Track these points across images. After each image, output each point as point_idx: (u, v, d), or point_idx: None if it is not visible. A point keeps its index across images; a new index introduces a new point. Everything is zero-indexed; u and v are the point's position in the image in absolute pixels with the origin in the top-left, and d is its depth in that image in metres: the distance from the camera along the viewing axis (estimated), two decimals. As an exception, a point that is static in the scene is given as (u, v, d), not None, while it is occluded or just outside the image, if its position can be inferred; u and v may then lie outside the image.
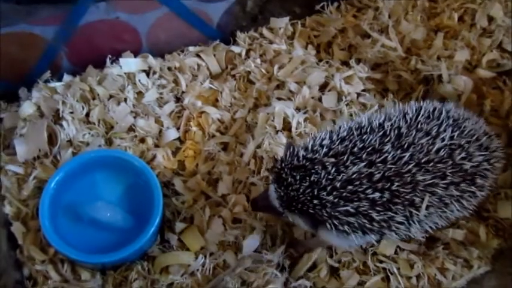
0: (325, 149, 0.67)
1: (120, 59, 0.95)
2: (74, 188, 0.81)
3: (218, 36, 1.02)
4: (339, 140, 0.68)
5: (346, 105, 0.90)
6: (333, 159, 0.66)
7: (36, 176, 0.83)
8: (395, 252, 0.79)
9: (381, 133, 0.69)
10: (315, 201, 0.66)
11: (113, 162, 0.83)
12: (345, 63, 0.99)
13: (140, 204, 0.81)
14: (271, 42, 1.01)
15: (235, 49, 1.00)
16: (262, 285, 0.77)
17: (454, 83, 0.92)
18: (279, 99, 0.91)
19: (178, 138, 0.92)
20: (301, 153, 0.68)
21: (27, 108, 0.89)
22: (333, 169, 0.65)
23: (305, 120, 0.89)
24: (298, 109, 0.91)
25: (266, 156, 0.85)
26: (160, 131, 0.92)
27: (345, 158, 0.66)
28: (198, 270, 0.79)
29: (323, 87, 0.93)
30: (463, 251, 0.79)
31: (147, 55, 0.96)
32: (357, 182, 0.65)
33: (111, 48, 0.95)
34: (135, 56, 0.97)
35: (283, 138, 0.86)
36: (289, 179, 0.67)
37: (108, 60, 0.95)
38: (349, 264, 0.79)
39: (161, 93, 0.95)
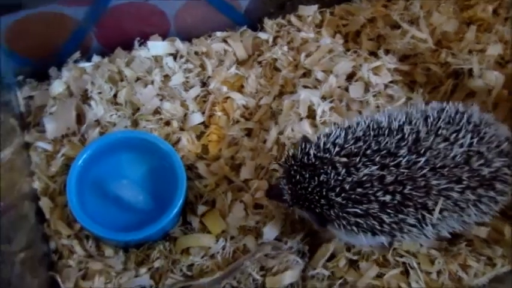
0: (337, 148, 0.66)
1: (148, 42, 0.95)
2: (100, 167, 0.83)
3: (245, 22, 1.01)
4: (353, 140, 0.67)
5: (373, 96, 0.89)
6: (344, 159, 0.65)
7: (64, 153, 0.85)
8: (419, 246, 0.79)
9: (398, 136, 0.67)
10: (323, 201, 0.66)
11: (139, 144, 0.84)
12: (373, 54, 0.97)
13: (164, 185, 0.81)
14: (299, 30, 1.00)
15: (263, 36, 1.00)
16: (281, 271, 0.78)
17: (485, 77, 0.90)
18: (305, 87, 0.91)
19: (203, 123, 0.93)
20: (312, 151, 0.67)
21: (57, 87, 0.91)
22: (343, 170, 0.65)
23: (330, 109, 0.89)
24: (324, 98, 0.90)
25: (288, 143, 0.85)
26: (186, 115, 0.92)
27: (357, 160, 0.65)
28: (218, 253, 0.80)
29: (350, 77, 0.93)
30: (486, 248, 0.78)
31: (175, 39, 0.97)
32: (368, 185, 0.64)
33: (139, 31, 0.96)
34: (163, 40, 0.97)
35: (306, 126, 0.86)
36: (298, 177, 0.67)
37: (136, 43, 0.95)
38: (368, 256, 0.78)
39: (187, 77, 0.95)
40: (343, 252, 0.78)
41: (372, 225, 0.66)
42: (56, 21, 0.90)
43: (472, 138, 0.69)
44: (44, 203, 0.83)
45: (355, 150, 0.66)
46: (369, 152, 0.66)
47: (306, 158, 0.67)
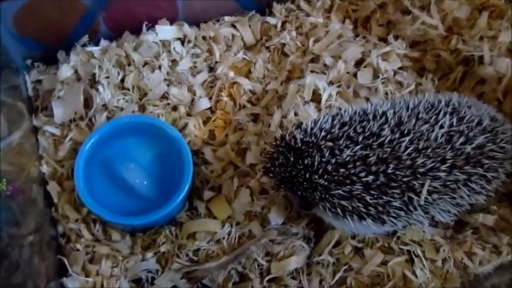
0: (323, 133, 0.67)
1: (156, 26, 0.95)
2: (108, 152, 0.83)
3: (254, 7, 1.00)
4: (339, 125, 0.68)
5: (382, 83, 0.88)
6: (330, 143, 0.66)
7: (72, 137, 0.86)
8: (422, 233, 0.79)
9: (382, 120, 0.68)
10: (307, 184, 0.66)
11: (146, 129, 0.84)
12: (382, 40, 0.96)
13: (171, 171, 0.82)
14: (307, 15, 0.99)
15: (271, 20, 0.99)
16: (286, 257, 0.78)
17: (496, 65, 0.88)
18: (313, 72, 0.90)
19: (210, 108, 0.93)
20: (299, 136, 0.68)
21: (65, 71, 0.91)
22: (328, 152, 0.65)
23: (337, 94, 0.88)
24: (331, 83, 0.89)
25: (291, 126, 0.84)
26: (193, 100, 0.92)
27: (341, 142, 0.66)
28: (224, 238, 0.81)
29: (359, 63, 0.92)
30: (492, 236, 0.78)
31: (183, 23, 0.96)
32: (351, 165, 0.65)
33: (147, 15, 0.95)
34: (171, 24, 0.97)
35: (310, 110, 0.85)
36: (283, 160, 0.68)
37: (144, 27, 0.95)
38: (373, 244, 0.79)
39: (195, 62, 0.95)
40: (348, 239, 0.79)
41: (357, 207, 0.66)
42: (65, 5, 0.90)
43: (451, 119, 0.69)
44: (52, 187, 0.83)
45: (340, 134, 0.67)
46: (353, 134, 0.67)
47: (292, 141, 0.68)
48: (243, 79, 0.93)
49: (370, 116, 0.69)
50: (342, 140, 0.66)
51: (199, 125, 0.90)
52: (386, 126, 0.67)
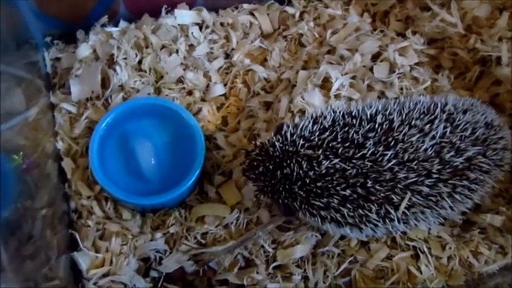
0: (302, 141, 0.66)
1: (175, 10, 0.95)
2: (122, 132, 0.84)
3: (274, -5, 1.01)
4: (319, 131, 0.67)
5: (398, 77, 0.88)
6: (309, 152, 0.65)
7: (87, 116, 0.87)
8: (428, 232, 0.79)
9: (369, 126, 0.66)
10: (286, 194, 0.67)
11: (161, 111, 0.85)
12: (400, 35, 0.96)
13: (183, 154, 0.83)
14: (326, 6, 0.99)
15: (290, 10, 0.99)
16: (292, 245, 0.79)
17: (514, 66, 0.88)
18: (329, 63, 0.90)
19: (224, 94, 0.93)
20: (278, 143, 0.67)
21: (84, 50, 0.92)
22: (305, 163, 0.64)
23: (350, 85, 0.88)
24: (346, 75, 0.89)
25: (296, 111, 0.84)
26: (208, 86, 0.93)
27: (319, 152, 0.65)
28: (232, 223, 0.82)
29: (375, 57, 0.91)
30: (499, 237, 0.78)
31: (202, 8, 0.97)
32: (328, 178, 0.64)
33: (167, -1, 0.96)
34: (190, 9, 0.97)
35: (316, 96, 0.85)
36: (262, 168, 0.68)
37: (163, 10, 0.95)
38: (380, 238, 0.79)
39: (212, 48, 0.95)
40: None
41: (335, 217, 0.66)
42: (86, -16, 0.91)
43: (445, 128, 0.68)
44: (67, 163, 0.85)
45: (320, 142, 0.65)
46: (333, 143, 0.65)
47: (271, 150, 0.67)
48: (258, 67, 0.94)
49: (356, 121, 0.67)
50: (321, 150, 0.65)
51: (212, 111, 0.91)
52: (372, 134, 0.66)
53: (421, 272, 0.77)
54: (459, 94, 0.91)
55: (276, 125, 0.72)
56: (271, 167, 0.67)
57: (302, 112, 0.83)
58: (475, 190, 0.70)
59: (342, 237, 0.80)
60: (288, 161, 0.65)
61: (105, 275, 0.78)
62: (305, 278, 0.79)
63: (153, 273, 0.80)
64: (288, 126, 0.69)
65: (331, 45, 0.93)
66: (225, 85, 0.93)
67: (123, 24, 0.96)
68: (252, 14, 0.99)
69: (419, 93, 0.88)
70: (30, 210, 0.71)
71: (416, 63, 0.91)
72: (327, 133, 0.66)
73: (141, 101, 0.86)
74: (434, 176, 0.66)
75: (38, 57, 0.92)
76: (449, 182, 0.67)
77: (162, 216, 0.84)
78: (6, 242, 0.60)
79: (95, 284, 0.77)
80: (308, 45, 0.95)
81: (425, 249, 0.78)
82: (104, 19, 0.94)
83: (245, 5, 1.00)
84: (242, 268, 0.80)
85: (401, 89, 0.87)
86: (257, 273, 0.78)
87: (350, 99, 0.86)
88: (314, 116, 0.70)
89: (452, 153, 0.67)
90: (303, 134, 0.67)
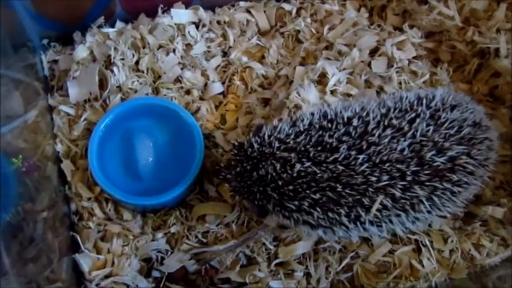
0: (277, 144, 0.66)
1: (172, 10, 0.95)
2: (121, 132, 0.84)
3: (270, -8, 1.00)
4: (296, 134, 0.67)
5: (396, 72, 0.88)
6: (285, 154, 0.65)
7: (86, 117, 0.87)
8: (429, 225, 0.79)
9: (342, 130, 0.66)
10: (260, 196, 0.67)
11: (159, 111, 0.85)
12: (397, 29, 0.96)
13: (182, 153, 0.83)
14: (323, 2, 0.99)
15: (286, 7, 0.99)
16: (293, 242, 0.79)
17: (512, 58, 0.88)
18: (327, 59, 0.90)
19: (223, 93, 0.93)
20: (256, 145, 0.67)
21: (81, 52, 0.91)
22: (279, 166, 0.65)
23: (347, 80, 0.87)
24: (344, 70, 0.89)
25: (292, 107, 0.84)
26: (206, 84, 0.93)
27: (292, 155, 0.65)
28: (233, 222, 0.82)
29: (373, 52, 0.91)
30: (501, 229, 0.78)
31: (198, 7, 0.96)
32: (300, 181, 0.64)
33: (163, -2, 0.96)
34: (186, 8, 0.97)
35: (312, 91, 0.85)
36: (239, 168, 0.68)
37: (159, 10, 0.95)
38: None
39: (209, 47, 0.95)
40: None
41: (307, 219, 0.66)
42: (82, -14, 0.91)
43: (428, 125, 0.66)
44: (66, 165, 0.85)
45: (294, 145, 0.66)
46: (307, 146, 0.65)
47: (250, 150, 0.68)
48: (256, 64, 0.93)
49: (332, 125, 0.66)
50: (295, 153, 0.65)
51: (211, 109, 0.91)
52: (346, 138, 0.65)
53: (423, 266, 0.77)
54: (458, 87, 0.91)
55: (256, 125, 0.72)
56: (248, 167, 0.67)
57: (298, 108, 0.83)
58: (458, 193, 0.67)
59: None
60: (264, 163, 0.66)
61: (107, 276, 0.78)
62: (307, 275, 0.79)
63: (155, 273, 0.80)
64: (267, 128, 0.69)
65: (328, 41, 0.93)
66: (223, 83, 0.93)
67: (119, 24, 0.96)
68: (248, 11, 0.99)
69: (419, 86, 0.88)
70: (31, 212, 0.71)
71: (414, 57, 0.91)
72: (302, 136, 0.66)
73: (140, 102, 0.86)
74: (408, 178, 0.64)
75: (35, 60, 0.93)
76: (427, 184, 0.64)
77: (162, 216, 0.84)
78: (8, 245, 0.60)
79: (97, 285, 0.77)
80: (305, 41, 0.95)
81: (427, 242, 0.78)
82: (101, 20, 0.94)
83: (241, 3, 1.00)
84: (244, 266, 0.80)
85: (400, 83, 0.87)
86: (259, 270, 0.78)
87: (347, 95, 0.85)
88: (294, 118, 0.70)
89: (433, 152, 0.64)
90: (279, 136, 0.67)
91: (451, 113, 0.69)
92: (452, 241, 0.78)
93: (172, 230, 0.82)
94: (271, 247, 0.80)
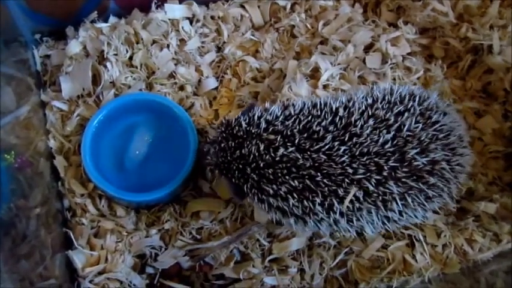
0: (265, 125, 0.66)
1: (165, 5, 0.94)
2: (115, 128, 0.84)
3: (265, -12, 1.00)
4: (284, 117, 0.66)
5: (391, 68, 0.88)
6: (272, 136, 0.65)
7: (79, 113, 0.86)
8: (423, 220, 0.79)
9: (329, 119, 0.65)
10: (239, 174, 0.66)
11: (153, 107, 0.84)
12: (392, 25, 0.96)
13: (176, 149, 0.83)
14: (317, -2, 0.98)
15: (281, 2, 0.98)
16: (287, 238, 0.79)
17: (505, 54, 0.88)
18: (322, 54, 0.90)
19: (216, 88, 0.93)
20: (244, 123, 0.67)
21: (74, 47, 0.91)
22: (263, 147, 0.65)
23: (340, 76, 0.87)
24: (339, 65, 0.89)
25: (284, 100, 0.83)
26: (200, 80, 0.92)
27: (278, 138, 0.65)
28: (227, 218, 0.82)
29: (368, 48, 0.91)
30: (493, 224, 0.79)
31: (192, 2, 0.96)
32: (281, 165, 0.64)
33: (157, -8, 0.95)
34: (180, 3, 0.96)
35: (303, 86, 0.85)
36: (224, 144, 0.67)
37: (153, 5, 0.94)
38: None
39: (203, 42, 0.95)
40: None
41: (282, 206, 0.66)
42: (75, -20, 0.90)
43: (417, 123, 0.65)
44: (59, 161, 0.84)
45: (282, 128, 0.65)
46: (294, 131, 0.65)
47: (237, 128, 0.67)
48: (250, 57, 0.93)
49: (321, 113, 0.66)
50: (281, 136, 0.65)
51: (205, 105, 0.91)
52: (332, 128, 0.64)
53: (416, 261, 0.77)
54: (452, 83, 0.91)
55: (248, 103, 0.72)
56: (232, 144, 0.67)
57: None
58: (431, 198, 0.67)
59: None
60: (248, 142, 0.66)
61: (100, 273, 0.77)
62: (301, 271, 0.79)
63: (149, 270, 0.80)
64: (258, 108, 0.69)
65: (323, 36, 0.93)
66: (217, 78, 0.93)
67: (113, 19, 0.95)
68: (242, 6, 0.98)
69: (413, 83, 0.88)
70: (24, 209, 0.71)
71: (408, 53, 0.92)
72: (291, 121, 0.66)
73: (133, 97, 0.85)
74: (384, 173, 0.63)
75: (27, 55, 0.92)
76: (403, 181, 0.63)
77: (156, 212, 0.84)
78: (1, 241, 0.60)
79: (90, 282, 0.76)
80: (300, 36, 0.95)
81: (421, 237, 0.78)
82: (94, 15, 0.93)
83: (236, -2, 0.99)
84: (238, 262, 0.80)
85: (394, 79, 0.88)
86: (253, 266, 0.78)
87: (340, 90, 0.85)
88: (286, 104, 0.70)
89: (417, 150, 0.64)
90: (268, 118, 0.67)
91: (443, 117, 0.68)
92: (445, 236, 0.78)
93: (166, 226, 0.82)
94: (265, 243, 0.80)
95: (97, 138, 0.82)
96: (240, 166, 0.66)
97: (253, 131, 0.66)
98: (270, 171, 0.64)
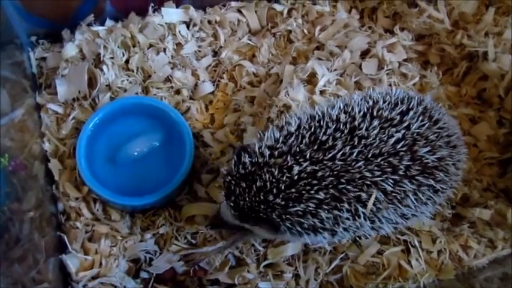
0: (268, 151, 0.64)
1: (162, 8, 0.94)
2: (110, 132, 0.84)
3: (262, -7, 1.00)
4: (285, 137, 0.65)
5: (387, 74, 0.89)
6: (279, 160, 0.63)
7: (74, 116, 0.86)
8: (419, 226, 0.79)
9: (333, 127, 0.65)
10: (263, 206, 0.63)
11: (149, 111, 0.84)
12: (388, 31, 0.96)
13: (172, 153, 0.83)
14: (314, 3, 0.99)
15: (278, 7, 0.99)
16: (283, 243, 0.79)
17: (500, 61, 0.89)
18: (319, 59, 0.90)
19: (213, 92, 0.93)
20: (247, 159, 0.65)
21: (70, 50, 0.90)
22: (277, 171, 0.62)
23: (336, 81, 0.88)
24: (335, 71, 0.89)
25: (281, 105, 0.84)
26: (196, 84, 0.92)
27: (288, 158, 0.63)
28: (222, 222, 0.82)
29: (364, 54, 0.92)
30: (488, 231, 0.79)
31: (189, 6, 0.96)
32: (302, 182, 0.62)
33: (154, -4, 0.95)
34: (177, 7, 0.96)
35: (300, 91, 0.84)
36: (237, 190, 0.64)
37: (150, 9, 0.94)
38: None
39: (200, 46, 0.95)
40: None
41: (313, 223, 0.64)
42: (72, -18, 0.90)
43: (422, 121, 0.66)
44: (54, 164, 0.84)
45: (287, 148, 0.64)
46: (302, 147, 0.64)
47: (241, 168, 0.65)
48: (246, 62, 0.93)
49: (322, 123, 0.65)
50: (289, 155, 0.63)
51: (201, 109, 0.91)
52: (339, 135, 0.64)
53: (411, 267, 0.77)
54: (447, 89, 0.92)
55: (236, 150, 0.68)
56: (245, 185, 0.64)
57: (287, 107, 0.83)
58: (438, 191, 0.68)
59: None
60: (260, 172, 0.63)
61: (94, 277, 0.77)
62: (296, 276, 0.79)
63: (144, 274, 0.79)
64: (247, 147, 0.67)
65: (320, 41, 0.93)
66: (213, 83, 0.93)
67: (109, 23, 0.95)
68: (239, 11, 0.99)
69: (409, 89, 0.88)
70: (18, 212, 0.70)
71: (404, 60, 0.92)
72: (293, 138, 0.65)
73: (129, 101, 0.85)
74: (401, 172, 0.64)
75: (23, 57, 0.91)
76: (416, 178, 0.64)
77: (151, 216, 0.83)
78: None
79: (84, 286, 0.76)
80: (297, 41, 0.95)
81: (416, 243, 0.78)
82: (90, 18, 0.93)
83: (233, 3, 0.99)
84: (233, 267, 0.80)
85: (390, 85, 0.88)
86: (248, 272, 0.78)
87: (337, 95, 0.86)
88: (280, 125, 0.68)
89: (427, 148, 0.65)
90: (268, 143, 0.65)
91: (442, 116, 0.70)
92: (440, 242, 0.79)
93: (161, 230, 0.81)
94: (261, 248, 0.79)
95: (92, 141, 0.82)
96: (261, 197, 0.63)
97: (259, 161, 0.64)
98: (292, 191, 0.62)
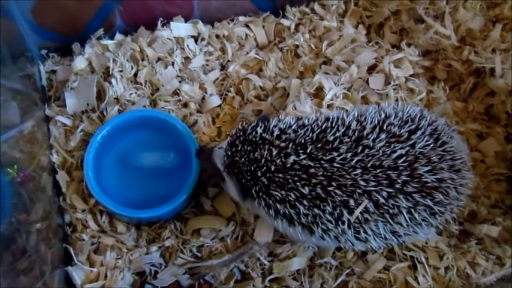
0: (278, 132, 0.68)
1: (171, 23, 0.96)
2: (118, 144, 0.84)
3: (269, 8, 1.01)
4: (297, 126, 0.68)
5: (394, 89, 0.89)
6: (283, 144, 0.66)
7: (83, 129, 0.87)
8: (425, 242, 0.79)
9: (342, 131, 0.66)
10: (249, 176, 0.67)
11: (157, 124, 0.85)
12: (395, 47, 0.97)
13: (178, 166, 0.83)
14: (321, 19, 1.00)
15: (285, 22, 0.99)
16: (288, 257, 0.79)
17: (507, 78, 0.89)
18: (326, 73, 0.91)
19: (220, 106, 0.93)
20: (260, 130, 0.68)
21: (80, 63, 0.92)
22: (275, 153, 0.66)
23: (344, 97, 0.88)
24: (342, 85, 0.89)
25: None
26: (203, 98, 0.93)
27: (290, 145, 0.66)
28: (228, 236, 0.81)
29: (371, 69, 0.92)
30: (496, 248, 0.78)
31: (198, 21, 0.97)
32: (293, 172, 0.65)
33: (163, 11, 0.96)
34: (186, 21, 0.97)
35: (307, 105, 0.85)
36: (239, 147, 0.69)
37: (159, 23, 0.96)
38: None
39: (207, 60, 0.96)
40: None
41: (289, 213, 0.66)
42: (83, -3, 0.91)
43: (427, 141, 0.67)
44: (61, 176, 0.84)
45: (294, 137, 0.67)
46: (307, 140, 0.66)
47: (253, 134, 0.69)
48: (253, 76, 0.94)
49: (334, 124, 0.67)
50: (293, 144, 0.66)
51: (208, 122, 0.91)
52: (345, 139, 0.66)
53: (418, 283, 0.77)
54: (454, 105, 0.92)
55: (264, 114, 0.73)
56: (246, 148, 0.68)
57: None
58: (435, 213, 0.68)
59: (339, 249, 0.79)
60: (261, 147, 0.67)
61: (99, 289, 0.77)
62: (302, 291, 0.78)
63: (148, 287, 0.79)
64: (273, 119, 0.71)
65: (327, 56, 0.94)
66: (220, 96, 0.94)
67: (119, 36, 0.96)
68: (247, 26, 1.00)
69: (416, 104, 0.88)
70: (25, 223, 0.71)
71: (411, 75, 0.92)
72: (303, 130, 0.67)
73: (137, 114, 0.86)
74: (397, 185, 0.64)
75: (33, 70, 0.93)
76: (413, 196, 0.65)
77: (157, 229, 0.83)
78: (1, 256, 0.60)
79: (89, 298, 0.76)
80: (304, 56, 0.95)
81: (423, 259, 0.78)
82: (100, 32, 0.95)
83: (241, 18, 1.00)
84: (238, 281, 0.79)
85: (397, 100, 0.88)
86: (253, 286, 0.78)
87: (343, 109, 0.86)
88: (298, 116, 0.71)
89: (428, 168, 0.65)
90: (281, 126, 0.69)
91: (450, 139, 0.70)
92: (448, 258, 0.78)
93: (167, 243, 0.81)
94: (266, 262, 0.79)
95: (100, 153, 0.82)
96: (252, 168, 0.67)
97: (267, 137, 0.68)
98: (280, 176, 0.65)
